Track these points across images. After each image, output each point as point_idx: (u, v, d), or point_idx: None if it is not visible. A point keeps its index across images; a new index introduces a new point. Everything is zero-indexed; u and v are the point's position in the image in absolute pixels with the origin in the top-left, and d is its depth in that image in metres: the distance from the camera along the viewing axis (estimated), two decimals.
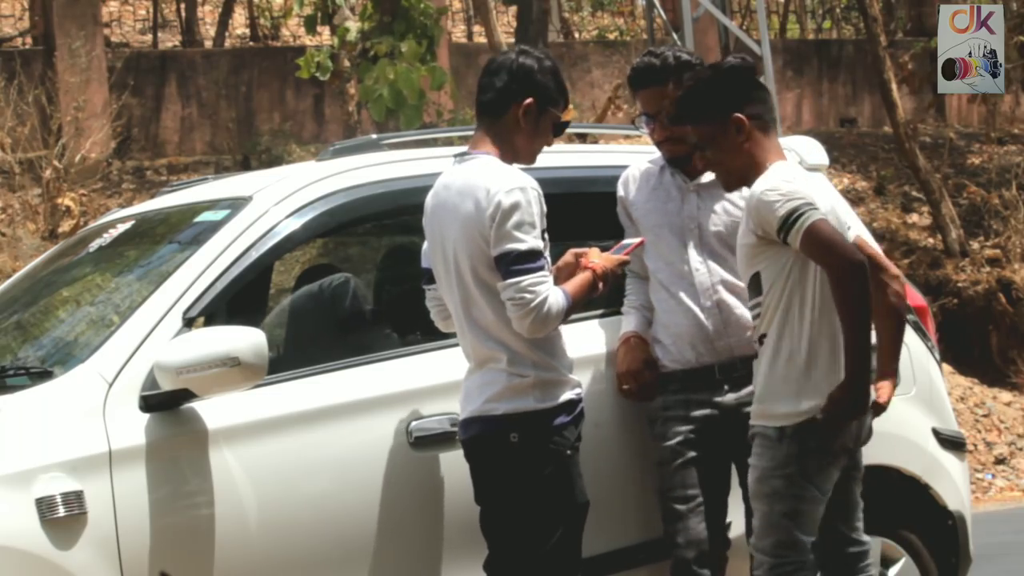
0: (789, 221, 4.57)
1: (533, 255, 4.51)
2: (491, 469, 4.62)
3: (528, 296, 4.49)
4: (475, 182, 4.59)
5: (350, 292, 5.16)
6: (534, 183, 4.58)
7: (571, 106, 4.84)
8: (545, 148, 4.83)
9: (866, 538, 4.87)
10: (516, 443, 4.56)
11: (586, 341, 5.10)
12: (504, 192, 4.52)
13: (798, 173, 4.76)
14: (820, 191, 4.77)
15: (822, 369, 4.65)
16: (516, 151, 4.72)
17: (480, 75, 4.79)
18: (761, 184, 4.66)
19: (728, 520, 5.07)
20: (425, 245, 4.83)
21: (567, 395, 4.62)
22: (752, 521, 4.86)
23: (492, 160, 4.65)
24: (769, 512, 4.66)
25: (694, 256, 5.05)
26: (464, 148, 4.82)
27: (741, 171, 4.78)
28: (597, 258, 4.73)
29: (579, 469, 4.64)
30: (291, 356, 5.04)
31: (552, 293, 4.53)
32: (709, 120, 4.75)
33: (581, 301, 4.67)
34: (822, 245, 4.56)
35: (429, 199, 4.76)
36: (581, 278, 4.67)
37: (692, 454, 5.00)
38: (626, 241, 4.94)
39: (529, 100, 4.69)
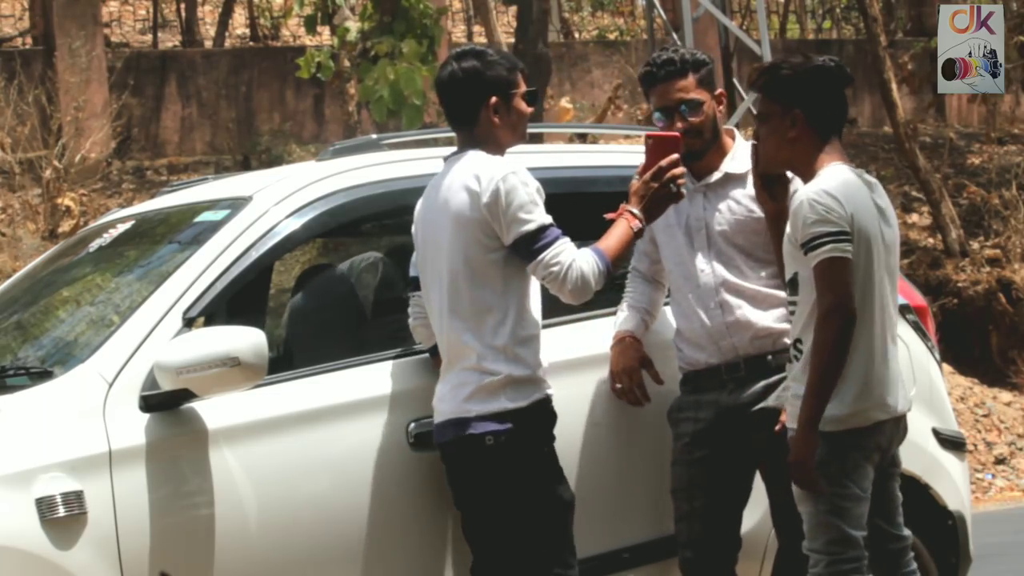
0: (812, 244, 4.60)
1: (544, 230, 4.55)
2: (469, 472, 4.61)
3: (555, 269, 4.54)
4: (465, 171, 4.62)
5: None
6: (521, 165, 4.61)
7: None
8: (546, 149, 4.83)
9: (907, 532, 4.89)
10: (491, 445, 4.55)
11: (587, 340, 5.12)
12: (499, 179, 4.55)
13: (847, 185, 4.72)
14: (867, 202, 4.73)
15: (849, 378, 4.64)
16: (502, 143, 4.73)
17: (437, 95, 4.80)
18: (806, 191, 4.67)
19: (740, 520, 5.08)
20: (415, 255, 4.83)
21: (538, 394, 4.61)
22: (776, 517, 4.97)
23: (478, 154, 4.67)
24: (815, 512, 4.68)
25: (700, 257, 5.05)
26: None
27: (784, 163, 4.82)
28: (633, 196, 4.71)
29: (559, 467, 4.64)
30: (291, 355, 5.05)
31: (578, 256, 4.56)
32: (776, 99, 4.79)
33: (622, 252, 4.69)
34: (827, 282, 4.58)
35: (420, 203, 4.79)
36: (618, 231, 4.67)
37: (700, 454, 5.00)
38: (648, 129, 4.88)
39: (493, 99, 4.70)
